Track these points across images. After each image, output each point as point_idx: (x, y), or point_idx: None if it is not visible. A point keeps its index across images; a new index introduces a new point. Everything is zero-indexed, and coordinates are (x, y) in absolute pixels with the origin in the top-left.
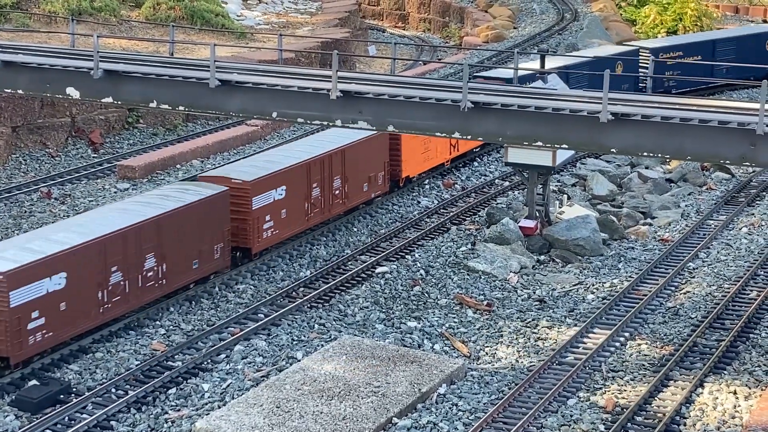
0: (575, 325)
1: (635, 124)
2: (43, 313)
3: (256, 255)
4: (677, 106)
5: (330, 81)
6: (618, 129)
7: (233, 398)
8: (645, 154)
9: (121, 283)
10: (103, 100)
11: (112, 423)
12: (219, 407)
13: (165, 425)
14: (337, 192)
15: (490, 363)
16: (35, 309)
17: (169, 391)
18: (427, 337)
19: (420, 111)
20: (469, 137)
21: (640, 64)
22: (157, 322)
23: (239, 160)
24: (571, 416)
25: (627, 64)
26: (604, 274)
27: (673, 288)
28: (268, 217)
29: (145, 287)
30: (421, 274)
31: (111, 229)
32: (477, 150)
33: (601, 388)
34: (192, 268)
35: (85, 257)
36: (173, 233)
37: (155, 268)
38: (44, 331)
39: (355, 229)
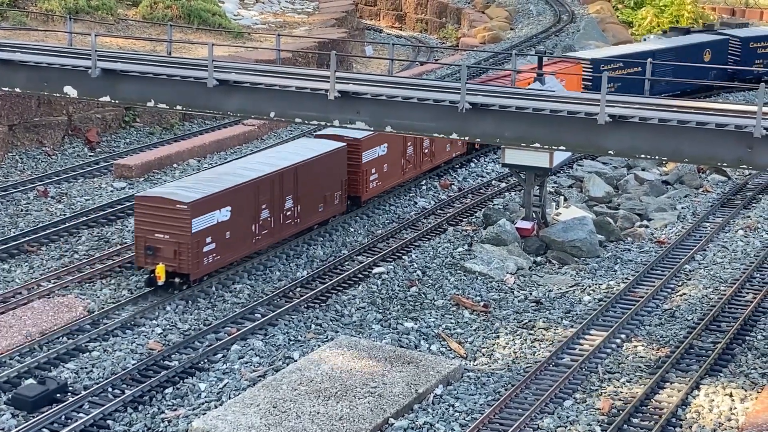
0: (572, 326)
1: (633, 126)
2: (214, 239)
3: (364, 203)
4: (675, 109)
5: (328, 81)
6: (615, 131)
7: (230, 398)
8: (642, 156)
9: (269, 218)
10: (100, 99)
11: (109, 422)
12: (216, 407)
13: (161, 425)
14: (426, 150)
15: (486, 364)
16: (209, 235)
17: (166, 391)
18: (423, 338)
19: (418, 112)
20: (467, 138)
21: (729, 53)
22: (154, 322)
23: None
24: (568, 417)
25: (715, 52)
26: (600, 275)
27: (669, 290)
28: (373, 170)
29: (285, 224)
30: (417, 275)
31: (262, 173)
32: None
33: (597, 390)
34: (318, 210)
35: (244, 195)
36: (306, 180)
37: (292, 209)
38: (214, 255)
39: (352, 230)
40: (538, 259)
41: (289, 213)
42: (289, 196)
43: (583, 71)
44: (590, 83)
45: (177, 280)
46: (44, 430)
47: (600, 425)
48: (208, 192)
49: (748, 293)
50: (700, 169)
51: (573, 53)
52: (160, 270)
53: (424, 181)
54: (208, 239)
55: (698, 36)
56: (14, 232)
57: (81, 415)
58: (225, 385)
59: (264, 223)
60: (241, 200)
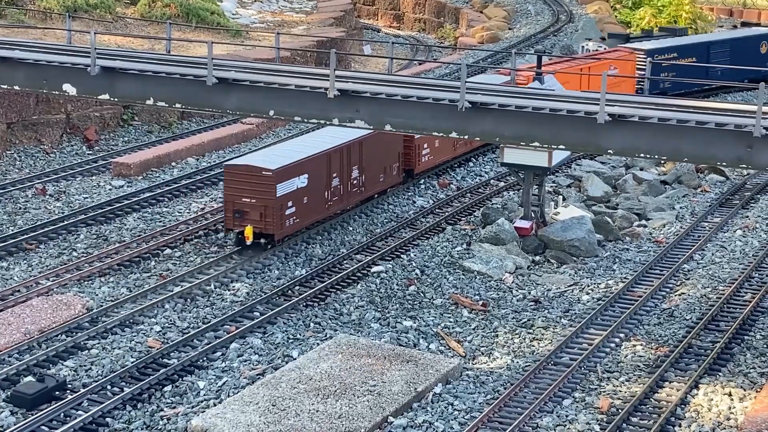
0: (570, 325)
1: (632, 126)
2: (294, 204)
3: (417, 175)
4: (674, 108)
5: (327, 80)
6: (615, 130)
7: (229, 396)
8: (642, 155)
9: (338, 186)
10: (99, 97)
11: (108, 420)
12: (215, 405)
13: (160, 422)
14: None
15: (485, 363)
16: (290, 200)
17: (165, 389)
18: (422, 337)
19: (417, 110)
20: (466, 137)
21: None
22: (153, 320)
23: None
24: (567, 416)
25: None
26: (599, 275)
27: (668, 289)
28: (425, 146)
29: (352, 192)
30: (416, 274)
31: (333, 145)
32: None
33: (596, 389)
34: (379, 180)
35: (319, 164)
36: (369, 152)
37: (358, 178)
38: (294, 218)
39: (351, 228)
40: (537, 258)
41: (355, 182)
42: (355, 166)
43: (638, 61)
44: (644, 72)
45: (263, 240)
46: (43, 427)
47: (599, 424)
48: (289, 161)
49: (746, 293)
50: (698, 169)
51: (629, 43)
52: (249, 231)
53: (423, 180)
54: (290, 203)
55: (756, 29)
56: (13, 230)
57: (80, 412)
58: (224, 383)
59: (335, 190)
60: (316, 169)
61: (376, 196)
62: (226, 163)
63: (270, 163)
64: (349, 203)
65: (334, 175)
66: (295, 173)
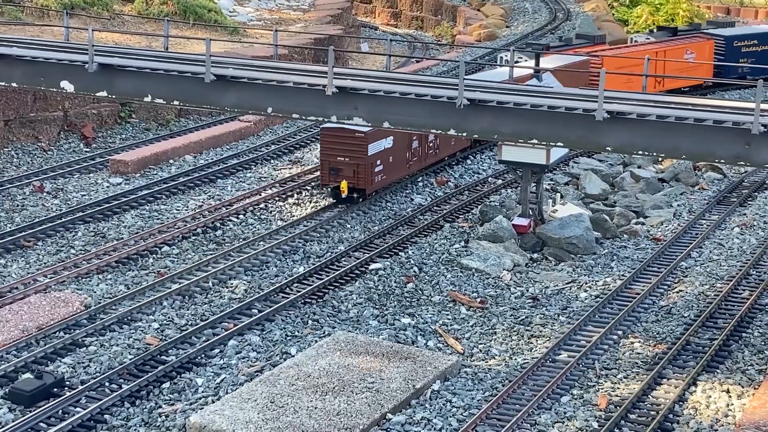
0: (568, 323)
1: (631, 123)
2: (381, 162)
3: (482, 141)
4: (673, 105)
5: (326, 77)
6: (614, 127)
7: (227, 393)
8: (640, 152)
9: (418, 148)
10: (97, 94)
11: (106, 417)
12: (213, 402)
13: (159, 419)
14: None
15: (483, 360)
16: (378, 159)
17: (163, 386)
18: (420, 334)
19: (415, 108)
20: (464, 134)
21: None
22: (151, 317)
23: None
24: (565, 413)
25: None
26: (597, 272)
27: (665, 287)
28: None
29: (428, 153)
30: (414, 271)
31: None
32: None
33: (594, 386)
34: (450, 144)
35: None
36: None
37: (433, 141)
38: (381, 175)
39: (349, 226)
40: (535, 255)
41: (431, 144)
42: None
43: (716, 47)
44: (723, 57)
45: (355, 195)
46: (41, 424)
47: (597, 421)
48: None
49: (744, 290)
50: (695, 167)
51: (707, 29)
52: (344, 185)
53: (421, 178)
54: (378, 162)
55: None
56: (10, 227)
57: (78, 409)
58: (222, 380)
59: (414, 151)
60: (400, 132)
61: (446, 158)
62: (322, 126)
63: (362, 126)
64: (425, 163)
65: (414, 138)
66: (383, 135)
